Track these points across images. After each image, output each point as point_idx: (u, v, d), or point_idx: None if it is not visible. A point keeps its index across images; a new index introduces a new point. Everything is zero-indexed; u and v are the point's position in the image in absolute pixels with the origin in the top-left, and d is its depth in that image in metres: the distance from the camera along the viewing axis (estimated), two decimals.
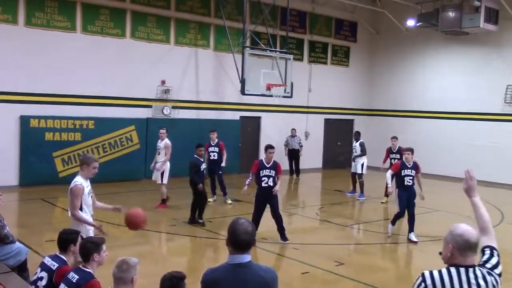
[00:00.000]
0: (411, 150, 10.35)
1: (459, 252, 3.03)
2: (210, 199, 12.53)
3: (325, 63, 21.84)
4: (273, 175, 9.49)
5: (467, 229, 3.07)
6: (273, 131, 19.78)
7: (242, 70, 15.84)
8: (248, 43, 16.93)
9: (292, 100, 18.19)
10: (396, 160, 13.97)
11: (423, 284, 3.04)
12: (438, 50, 20.95)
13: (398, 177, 10.24)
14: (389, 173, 10.50)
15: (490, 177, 17.40)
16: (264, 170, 9.47)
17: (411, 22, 20.25)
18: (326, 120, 21.97)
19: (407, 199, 10.05)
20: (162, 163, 12.05)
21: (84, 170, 6.12)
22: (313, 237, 10.61)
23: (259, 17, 17.79)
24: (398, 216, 10.19)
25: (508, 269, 8.90)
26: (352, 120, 23.06)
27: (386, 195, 14.12)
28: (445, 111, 20.58)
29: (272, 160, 9.62)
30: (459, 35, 19.22)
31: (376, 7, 21.32)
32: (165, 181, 12.11)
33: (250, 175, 9.74)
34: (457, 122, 20.18)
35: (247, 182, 9.73)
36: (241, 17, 16.84)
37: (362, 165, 14.87)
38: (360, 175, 14.87)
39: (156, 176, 12.20)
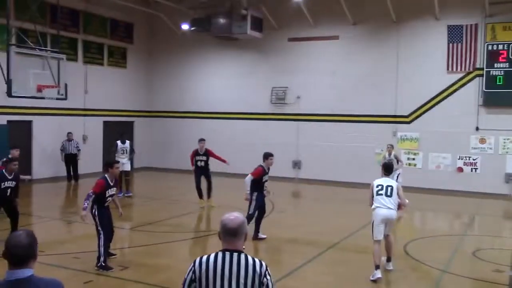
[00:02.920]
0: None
1: (223, 237, 3.37)
2: None
3: (102, 64, 21.23)
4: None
5: (227, 215, 3.40)
6: (47, 135, 18.52)
7: (8, 70, 14.43)
8: (14, 41, 15.48)
9: (67, 102, 17.19)
10: (202, 162, 14.10)
11: (191, 266, 3.39)
12: (212, 54, 22.13)
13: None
14: (248, 178, 10.22)
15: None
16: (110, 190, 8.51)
17: (185, 26, 20.95)
18: (105, 123, 21.37)
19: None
20: None
21: None
22: (94, 244, 10.23)
23: (25, 12, 16.40)
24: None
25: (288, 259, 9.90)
26: (133, 122, 22.89)
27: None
28: (220, 111, 21.85)
29: None
30: (230, 40, 20.60)
31: (151, 10, 21.49)
32: None
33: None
34: (231, 121, 21.60)
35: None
36: (4, 11, 15.30)
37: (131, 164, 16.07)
38: (128, 172, 15.57)
39: None
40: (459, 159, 17.84)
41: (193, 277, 3.36)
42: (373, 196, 8.21)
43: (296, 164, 20.43)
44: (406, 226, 13.58)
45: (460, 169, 17.81)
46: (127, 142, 15.91)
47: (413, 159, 18.56)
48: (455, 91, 17.88)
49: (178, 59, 22.82)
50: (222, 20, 19.30)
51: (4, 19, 15.17)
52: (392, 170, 8.80)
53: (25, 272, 2.92)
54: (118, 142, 15.70)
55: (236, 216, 3.38)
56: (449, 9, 17.73)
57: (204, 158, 14.08)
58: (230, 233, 3.33)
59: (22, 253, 2.92)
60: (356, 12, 19.03)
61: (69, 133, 18.48)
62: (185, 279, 3.41)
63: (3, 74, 14.66)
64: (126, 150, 15.68)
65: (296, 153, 20.38)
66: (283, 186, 18.54)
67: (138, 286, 7.65)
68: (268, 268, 3.34)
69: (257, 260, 3.33)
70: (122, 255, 9.42)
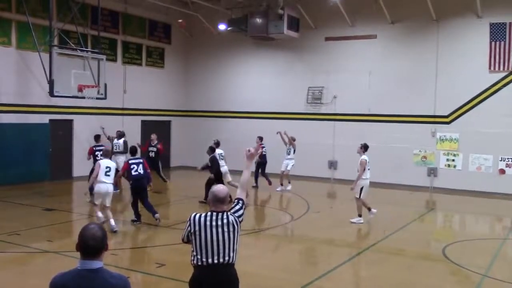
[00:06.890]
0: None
1: (212, 202, 4.55)
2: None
3: (140, 64, 21.59)
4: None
5: (217, 188, 4.60)
6: (87, 134, 18.91)
7: (50, 70, 14.85)
8: (56, 42, 15.93)
9: (106, 102, 17.60)
10: (153, 153, 17.18)
11: (188, 222, 4.51)
12: (248, 54, 22.18)
13: None
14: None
15: (302, 171, 19.17)
16: None
17: (222, 26, 21.07)
18: (143, 122, 21.73)
19: None
20: None
21: None
22: (132, 241, 10.42)
23: (67, 14, 16.84)
24: None
25: (322, 256, 9.81)
26: (170, 121, 23.19)
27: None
28: (255, 111, 21.88)
29: None
30: (266, 40, 20.59)
31: (188, 10, 21.71)
32: None
33: None
34: (266, 121, 21.56)
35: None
36: (47, 13, 15.75)
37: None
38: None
39: None
40: (501, 160, 17.32)
41: (189, 228, 4.47)
42: (364, 170, 12.01)
43: (332, 165, 20.26)
44: (445, 229, 13.29)
45: (502, 171, 17.29)
46: (121, 138, 16.77)
47: (453, 160, 18.13)
48: (497, 90, 17.37)
49: (215, 59, 22.97)
50: (258, 20, 19.30)
51: (47, 21, 15.62)
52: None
53: (96, 264, 3.09)
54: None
55: (222, 188, 4.61)
56: (492, 7, 17.23)
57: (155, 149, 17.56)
58: (219, 200, 4.51)
59: (96, 245, 3.08)
60: (395, 10, 18.72)
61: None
62: (184, 232, 4.54)
63: (46, 74, 15.11)
64: (119, 146, 16.62)
65: (332, 153, 20.21)
66: (319, 186, 18.44)
67: (174, 283, 7.75)
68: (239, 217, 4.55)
69: (234, 217, 4.52)
70: (159, 252, 9.54)
